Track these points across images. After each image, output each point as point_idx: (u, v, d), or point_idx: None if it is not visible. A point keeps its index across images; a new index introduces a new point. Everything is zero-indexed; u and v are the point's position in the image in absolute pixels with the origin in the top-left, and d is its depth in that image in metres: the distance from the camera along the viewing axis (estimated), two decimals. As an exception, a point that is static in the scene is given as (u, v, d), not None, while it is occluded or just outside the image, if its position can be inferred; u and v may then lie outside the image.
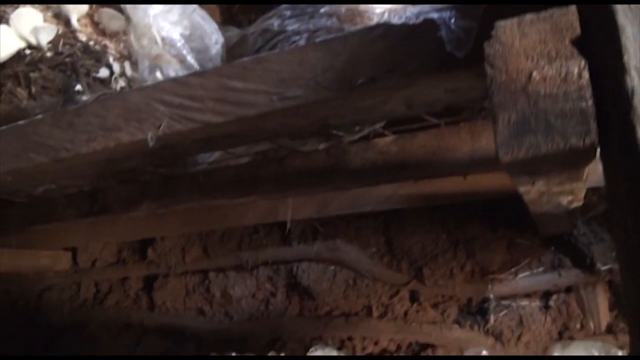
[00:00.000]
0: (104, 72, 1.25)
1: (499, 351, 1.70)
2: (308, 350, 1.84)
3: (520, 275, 1.73)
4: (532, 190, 0.82)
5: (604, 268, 1.62)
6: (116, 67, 1.26)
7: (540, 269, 1.73)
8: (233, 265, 2.12)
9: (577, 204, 0.96)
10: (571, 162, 0.63)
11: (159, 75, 1.04)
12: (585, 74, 0.58)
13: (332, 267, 1.98)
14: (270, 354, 1.75)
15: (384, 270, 1.91)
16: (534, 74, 0.59)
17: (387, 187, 1.76)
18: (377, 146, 1.31)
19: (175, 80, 0.94)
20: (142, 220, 2.17)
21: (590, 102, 0.57)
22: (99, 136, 1.00)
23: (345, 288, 1.95)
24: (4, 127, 1.13)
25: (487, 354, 1.38)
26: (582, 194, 0.89)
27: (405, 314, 1.86)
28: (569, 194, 0.86)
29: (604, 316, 1.68)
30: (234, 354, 1.47)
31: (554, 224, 1.32)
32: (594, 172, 1.45)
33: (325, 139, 1.34)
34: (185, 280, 2.20)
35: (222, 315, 2.13)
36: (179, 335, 2.18)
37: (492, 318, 1.75)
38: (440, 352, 1.80)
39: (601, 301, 1.68)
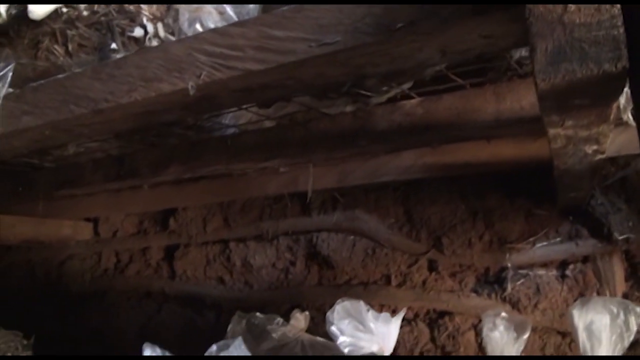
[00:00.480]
0: (138, 32, 1.29)
1: (516, 317, 1.73)
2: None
3: (538, 245, 1.76)
4: (560, 135, 0.85)
5: (620, 237, 1.65)
6: (150, 28, 1.30)
7: (558, 239, 1.75)
8: (253, 235, 2.16)
9: (600, 155, 0.99)
10: (603, 91, 0.66)
11: (198, 27, 1.08)
12: (617, 4, 0.61)
13: (352, 237, 2.02)
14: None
15: (402, 239, 1.94)
16: (570, 4, 0.62)
17: (407, 156, 1.79)
18: (403, 108, 1.34)
19: (216, 31, 0.97)
20: (164, 191, 2.22)
21: (621, 30, 0.60)
22: (140, 87, 1.04)
23: (364, 257, 1.99)
24: (43, 81, 1.18)
25: (505, 316, 1.41)
26: (607, 143, 0.92)
27: (424, 282, 1.90)
28: (595, 141, 0.89)
29: (620, 285, 1.71)
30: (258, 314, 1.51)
31: (575, 185, 1.34)
32: (613, 142, 1.49)
33: (353, 101, 1.38)
34: (206, 250, 2.24)
35: (242, 284, 2.18)
36: (200, 303, 2.23)
37: (509, 286, 1.78)
38: (457, 320, 1.83)
39: (617, 271, 1.70)
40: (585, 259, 1.73)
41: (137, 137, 1.53)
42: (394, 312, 1.89)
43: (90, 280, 2.47)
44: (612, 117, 0.79)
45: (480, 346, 1.81)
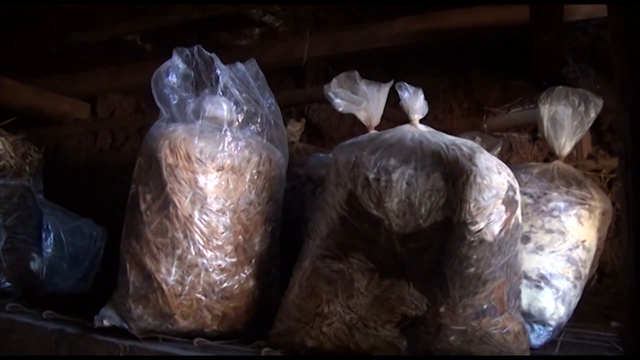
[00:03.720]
0: None
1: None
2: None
3: (513, 110, 1.91)
4: None
5: (589, 99, 1.80)
6: None
7: (532, 106, 1.90)
8: (249, 108, 2.28)
9: None
10: None
11: None
12: None
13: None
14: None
15: (388, 108, 2.07)
16: None
17: (397, 24, 1.94)
18: None
19: None
20: (164, 65, 2.33)
21: None
22: None
23: (351, 125, 2.12)
24: None
25: (479, 138, 1.54)
26: None
27: (406, 146, 2.03)
28: None
29: (586, 147, 1.86)
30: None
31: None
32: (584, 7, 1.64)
33: None
34: (201, 124, 2.35)
35: (234, 154, 2.29)
36: (192, 172, 2.34)
37: (484, 147, 1.93)
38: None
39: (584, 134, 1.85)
40: (556, 123, 1.87)
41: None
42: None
43: (86, 158, 2.56)
44: None
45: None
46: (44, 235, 1.61)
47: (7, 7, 1.88)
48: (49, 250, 1.60)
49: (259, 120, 1.12)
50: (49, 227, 1.60)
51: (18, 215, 1.60)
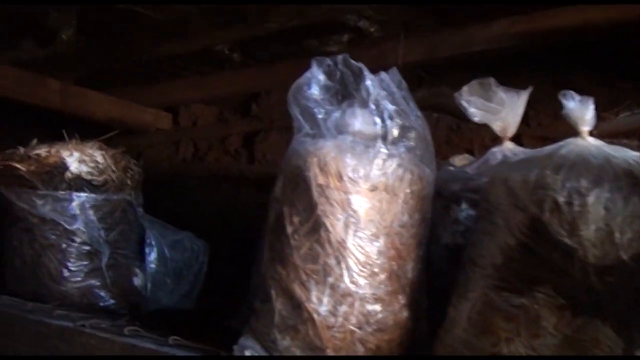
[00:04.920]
0: None
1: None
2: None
3: (622, 115, 1.80)
4: None
5: None
6: None
7: (641, 110, 1.79)
8: (336, 116, 2.21)
9: None
10: None
11: None
12: None
13: (435, 115, 2.06)
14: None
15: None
16: None
17: (497, 25, 1.85)
18: None
19: None
20: (248, 75, 2.28)
21: None
22: None
23: (448, 133, 2.04)
24: None
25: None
26: None
27: (507, 154, 1.94)
28: None
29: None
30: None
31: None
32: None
33: None
34: (287, 134, 2.29)
35: (322, 164, 2.23)
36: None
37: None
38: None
39: None
40: (667, 130, 1.75)
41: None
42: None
43: (169, 167, 2.54)
44: None
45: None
46: (147, 250, 1.58)
47: (97, 21, 1.86)
48: (153, 265, 1.57)
49: (412, 135, 1.04)
50: (152, 242, 1.57)
51: (120, 230, 1.58)
